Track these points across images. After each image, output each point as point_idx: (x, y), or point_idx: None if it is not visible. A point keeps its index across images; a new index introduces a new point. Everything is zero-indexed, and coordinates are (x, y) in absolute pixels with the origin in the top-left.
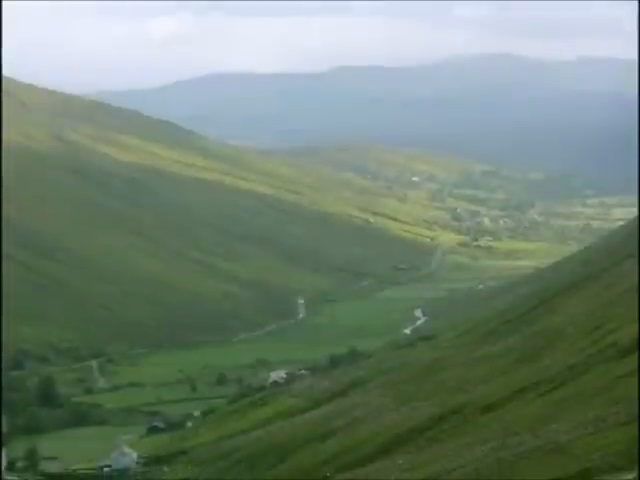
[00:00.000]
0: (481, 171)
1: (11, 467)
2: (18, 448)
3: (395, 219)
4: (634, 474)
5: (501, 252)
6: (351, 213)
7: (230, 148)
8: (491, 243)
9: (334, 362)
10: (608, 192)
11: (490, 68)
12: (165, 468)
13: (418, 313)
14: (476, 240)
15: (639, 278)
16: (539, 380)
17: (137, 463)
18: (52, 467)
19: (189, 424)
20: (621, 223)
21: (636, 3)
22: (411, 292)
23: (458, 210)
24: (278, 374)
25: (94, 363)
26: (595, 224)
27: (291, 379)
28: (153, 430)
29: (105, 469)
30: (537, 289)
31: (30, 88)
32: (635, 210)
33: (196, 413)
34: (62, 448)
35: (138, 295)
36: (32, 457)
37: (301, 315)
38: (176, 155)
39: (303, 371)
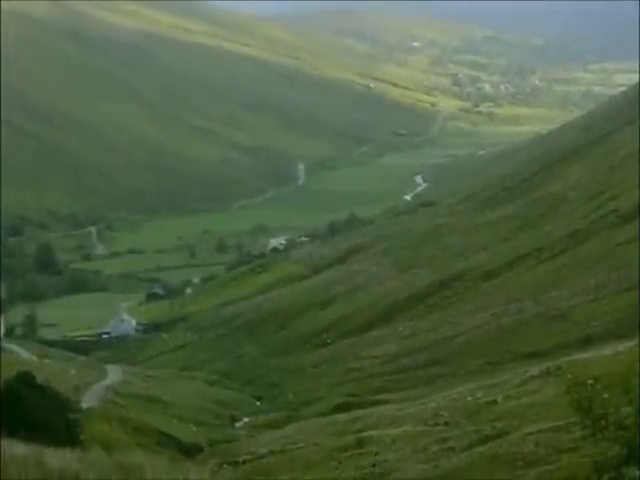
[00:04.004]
0: (482, 37)
1: (10, 334)
2: (17, 315)
3: (395, 85)
4: (635, 341)
5: (502, 118)
6: (351, 79)
7: (230, 14)
8: (492, 109)
9: (334, 229)
10: (609, 57)
11: None
12: (164, 335)
13: (418, 179)
14: (477, 106)
15: None
16: (540, 247)
17: (136, 330)
18: (51, 334)
19: (188, 291)
20: (622, 89)
21: None
22: (411, 158)
23: (459, 76)
24: (277, 241)
25: (93, 229)
26: (596, 90)
27: (290, 246)
28: (152, 297)
29: (104, 336)
30: (538, 155)
31: None
32: (636, 76)
33: (195, 280)
34: (61, 315)
35: (137, 161)
36: (31, 324)
37: (301, 181)
38: (176, 21)
39: (303, 238)
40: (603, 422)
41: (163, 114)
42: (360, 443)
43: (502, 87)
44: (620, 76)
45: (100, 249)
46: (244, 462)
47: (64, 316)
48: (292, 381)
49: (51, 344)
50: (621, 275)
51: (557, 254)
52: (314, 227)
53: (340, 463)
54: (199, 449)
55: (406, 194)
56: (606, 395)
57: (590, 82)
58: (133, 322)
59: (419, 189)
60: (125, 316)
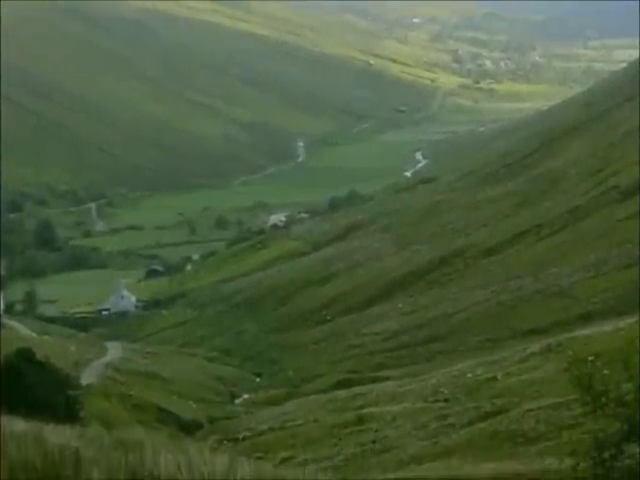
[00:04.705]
0: (482, 13)
1: (9, 310)
2: (16, 291)
3: (396, 61)
4: (635, 318)
5: (502, 94)
6: (352, 55)
7: None
8: (492, 85)
9: (334, 205)
10: (610, 34)
11: None
12: (164, 311)
13: (418, 156)
14: (477, 82)
15: None
16: (540, 223)
17: (136, 307)
18: (51, 310)
19: (188, 267)
20: (623, 65)
21: None
22: (411, 135)
23: (459, 52)
24: (278, 217)
25: (93, 206)
26: (597, 66)
27: (291, 222)
28: (152, 273)
29: (104, 312)
30: (538, 132)
31: None
32: (637, 52)
33: (195, 256)
34: (61, 291)
35: (138, 138)
36: (30, 300)
37: (301, 158)
38: None
39: (302, 214)
40: (603, 399)
41: (164, 91)
42: (360, 420)
43: (502, 63)
44: (620, 52)
45: (100, 225)
46: (244, 439)
47: (64, 292)
48: (292, 358)
49: (51, 320)
50: (621, 251)
51: (557, 231)
52: (314, 203)
53: (340, 440)
54: (199, 426)
55: (406, 170)
56: (606, 372)
57: (590, 58)
58: (133, 299)
59: (419, 165)
60: (125, 293)
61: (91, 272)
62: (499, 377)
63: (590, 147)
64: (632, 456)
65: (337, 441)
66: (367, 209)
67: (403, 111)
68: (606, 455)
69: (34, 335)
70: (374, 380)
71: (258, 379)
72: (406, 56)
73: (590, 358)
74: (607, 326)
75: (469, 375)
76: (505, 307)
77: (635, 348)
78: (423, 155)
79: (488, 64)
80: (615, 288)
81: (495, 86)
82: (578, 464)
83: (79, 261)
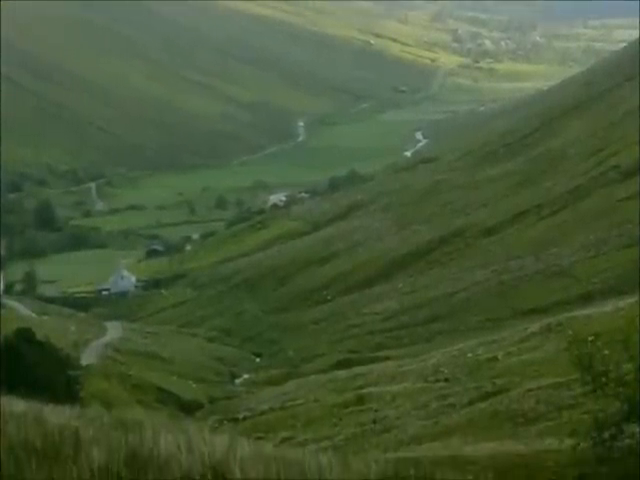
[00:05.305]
0: None
1: (9, 290)
2: (16, 271)
3: (396, 41)
4: (635, 298)
5: (502, 74)
6: (352, 35)
7: None
8: (492, 65)
9: (334, 185)
10: (610, 13)
11: None
12: (164, 291)
13: (418, 135)
14: (477, 62)
15: None
16: (540, 203)
17: (135, 287)
18: (50, 290)
19: (188, 247)
20: (623, 45)
21: None
22: (412, 114)
23: (459, 32)
24: (277, 197)
25: (93, 186)
26: (597, 45)
27: (291, 202)
28: (152, 253)
29: (103, 292)
30: (538, 111)
31: None
32: (637, 32)
33: (195, 236)
34: (60, 271)
35: (138, 117)
36: (30, 280)
37: (301, 138)
38: None
39: (302, 194)
40: (603, 379)
41: (164, 70)
42: (360, 400)
43: (502, 43)
44: (621, 32)
45: (100, 205)
46: (244, 419)
47: (64, 273)
48: (292, 338)
49: (50, 301)
50: (622, 231)
51: (557, 210)
52: (314, 183)
53: (340, 420)
54: (199, 406)
55: (406, 150)
56: (607, 351)
57: (591, 38)
58: (133, 279)
59: (419, 145)
60: (125, 273)
61: (91, 252)
62: (499, 357)
63: (590, 127)
64: (632, 436)
65: (337, 421)
66: (367, 189)
67: (403, 91)
68: (606, 435)
69: (34, 315)
70: (374, 360)
71: (258, 359)
72: (406, 36)
73: (590, 338)
74: (607, 306)
75: (469, 355)
76: (505, 287)
77: (635, 328)
78: (423, 135)
79: (488, 44)
80: (615, 268)
81: (495, 66)
82: (578, 444)
83: (79, 241)
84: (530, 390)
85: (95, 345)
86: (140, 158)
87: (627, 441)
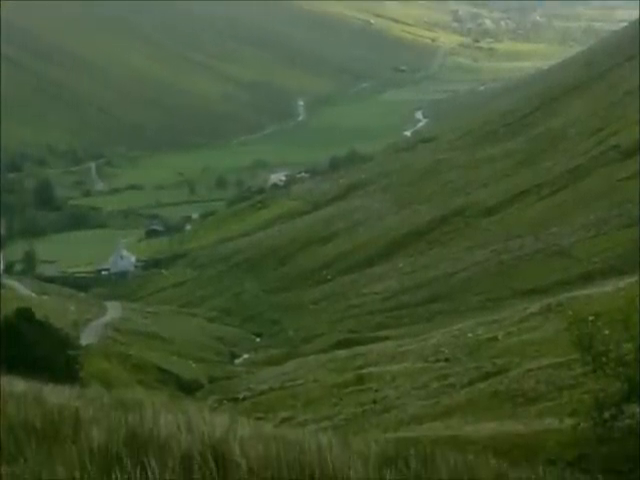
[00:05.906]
0: None
1: (9, 270)
2: (16, 251)
3: (396, 21)
4: (635, 277)
5: (502, 54)
6: (352, 15)
7: None
8: (492, 44)
9: (334, 164)
10: None
11: None
12: (163, 271)
13: (419, 115)
14: (477, 41)
15: None
16: (540, 183)
17: (135, 266)
18: (50, 270)
19: (188, 227)
20: (624, 24)
21: None
22: (412, 94)
23: (459, 12)
24: (277, 177)
25: (92, 165)
26: (597, 25)
27: (291, 182)
28: (152, 233)
29: (103, 272)
30: (538, 91)
31: None
32: (637, 12)
33: (195, 216)
34: (60, 251)
35: (138, 97)
36: (30, 260)
37: (301, 117)
38: None
39: (303, 174)
40: (604, 359)
41: (164, 50)
42: (360, 380)
43: (502, 23)
44: (621, 12)
45: (100, 185)
46: (244, 398)
47: (63, 252)
48: (292, 318)
49: (50, 280)
50: (622, 211)
51: (557, 190)
52: (314, 163)
53: (340, 399)
54: (199, 386)
55: (406, 130)
56: (607, 331)
57: (591, 18)
58: (132, 258)
59: (419, 125)
60: (125, 252)
61: (91, 232)
62: (499, 337)
63: (590, 106)
64: (632, 416)
65: (337, 401)
66: (367, 168)
67: (403, 70)
68: (606, 415)
69: (33, 295)
70: (374, 340)
71: (258, 339)
72: (406, 16)
73: (590, 318)
74: (607, 286)
75: (469, 335)
76: (505, 267)
77: (635, 308)
78: (423, 114)
79: (488, 23)
80: (615, 248)
81: (495, 45)
82: (578, 424)
83: (79, 221)
84: (530, 370)
85: (95, 325)
86: (140, 138)
87: (627, 421)
